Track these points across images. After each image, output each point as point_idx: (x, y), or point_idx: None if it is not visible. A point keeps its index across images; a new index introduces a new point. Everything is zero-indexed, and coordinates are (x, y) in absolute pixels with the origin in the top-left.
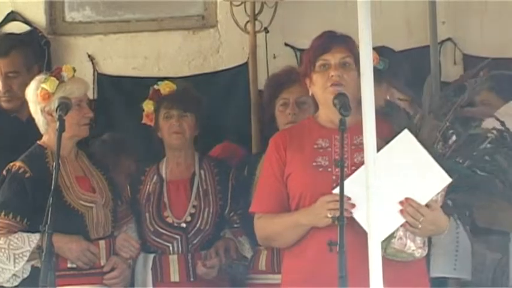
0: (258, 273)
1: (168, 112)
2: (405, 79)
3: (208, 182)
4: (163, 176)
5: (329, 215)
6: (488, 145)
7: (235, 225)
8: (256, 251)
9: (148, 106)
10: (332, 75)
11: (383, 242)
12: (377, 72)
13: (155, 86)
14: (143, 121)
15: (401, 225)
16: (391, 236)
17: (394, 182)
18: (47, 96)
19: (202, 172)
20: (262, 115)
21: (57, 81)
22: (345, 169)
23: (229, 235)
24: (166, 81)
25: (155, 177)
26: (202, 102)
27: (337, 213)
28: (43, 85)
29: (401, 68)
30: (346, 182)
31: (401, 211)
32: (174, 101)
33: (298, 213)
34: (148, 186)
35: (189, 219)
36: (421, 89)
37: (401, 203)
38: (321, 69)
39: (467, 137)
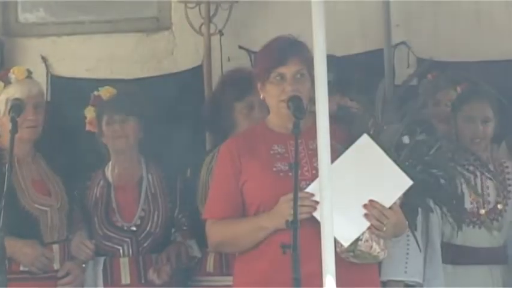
0: (205, 275)
1: (110, 117)
2: (356, 84)
3: (156, 185)
4: (110, 180)
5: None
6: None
7: (184, 228)
8: (204, 253)
9: (90, 113)
10: (288, 90)
11: (350, 245)
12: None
13: (95, 92)
14: (87, 128)
15: (367, 228)
16: (357, 238)
17: (356, 186)
18: None
19: (149, 176)
20: (218, 117)
21: (1, 83)
22: (306, 173)
23: (180, 239)
24: (106, 87)
25: (101, 181)
26: (145, 104)
27: (303, 211)
28: None
29: (348, 74)
30: (309, 187)
31: (366, 214)
32: (115, 105)
33: (259, 217)
34: (95, 191)
35: (138, 222)
36: (374, 92)
37: (365, 206)
38: (276, 81)
39: (415, 142)
